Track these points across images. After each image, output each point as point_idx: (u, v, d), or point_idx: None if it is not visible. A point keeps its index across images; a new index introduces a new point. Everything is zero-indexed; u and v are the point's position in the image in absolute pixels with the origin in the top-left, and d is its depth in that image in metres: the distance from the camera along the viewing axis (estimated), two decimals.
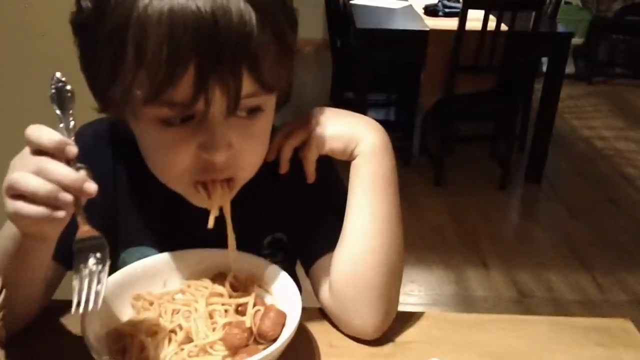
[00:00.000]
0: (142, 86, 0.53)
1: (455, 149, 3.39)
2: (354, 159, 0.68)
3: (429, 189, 2.89)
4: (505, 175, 2.93)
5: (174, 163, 0.59)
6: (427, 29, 2.72)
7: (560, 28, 2.92)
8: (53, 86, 0.55)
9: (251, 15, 0.53)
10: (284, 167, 0.69)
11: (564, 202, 2.82)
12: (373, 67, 2.92)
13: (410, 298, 2.08)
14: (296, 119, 0.69)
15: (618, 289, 2.14)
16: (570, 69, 4.71)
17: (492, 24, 2.59)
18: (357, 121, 0.69)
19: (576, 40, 4.62)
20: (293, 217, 0.72)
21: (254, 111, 0.59)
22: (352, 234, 0.67)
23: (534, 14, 2.59)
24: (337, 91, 3.59)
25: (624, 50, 4.96)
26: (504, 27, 2.62)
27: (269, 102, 0.61)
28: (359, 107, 2.97)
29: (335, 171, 0.74)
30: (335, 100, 3.48)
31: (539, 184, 3.00)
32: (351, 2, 3.36)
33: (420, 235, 2.50)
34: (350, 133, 0.67)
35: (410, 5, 3.27)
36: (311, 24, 5.17)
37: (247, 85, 0.55)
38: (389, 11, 3.14)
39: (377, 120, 0.70)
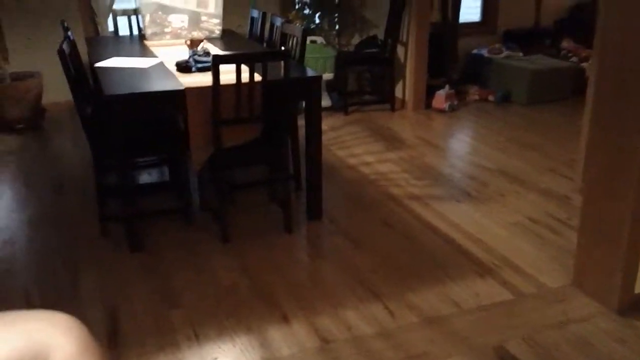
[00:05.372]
0: None
1: (235, 198, 3.35)
2: None
3: (217, 247, 2.78)
4: (288, 217, 2.97)
5: None
6: (182, 88, 2.63)
7: (310, 72, 3.06)
8: None
9: None
10: None
11: (346, 233, 2.95)
12: (133, 132, 2.73)
13: None
14: None
15: (408, 312, 2.26)
16: (326, 102, 5.06)
17: (246, 75, 2.61)
18: (39, 327, 0.50)
19: (327, 75, 4.98)
20: None
21: None
22: None
23: (282, 63, 2.68)
24: (97, 159, 3.29)
25: (367, 79, 5.50)
26: (257, 77, 2.66)
27: None
28: (124, 172, 2.78)
29: None
30: (97, 167, 3.17)
31: (321, 219, 3.10)
32: (96, 65, 3.12)
33: (216, 300, 2.37)
34: (31, 347, 0.49)
35: (162, 63, 3.16)
36: (56, 88, 4.71)
37: None
38: (140, 72, 2.97)
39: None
